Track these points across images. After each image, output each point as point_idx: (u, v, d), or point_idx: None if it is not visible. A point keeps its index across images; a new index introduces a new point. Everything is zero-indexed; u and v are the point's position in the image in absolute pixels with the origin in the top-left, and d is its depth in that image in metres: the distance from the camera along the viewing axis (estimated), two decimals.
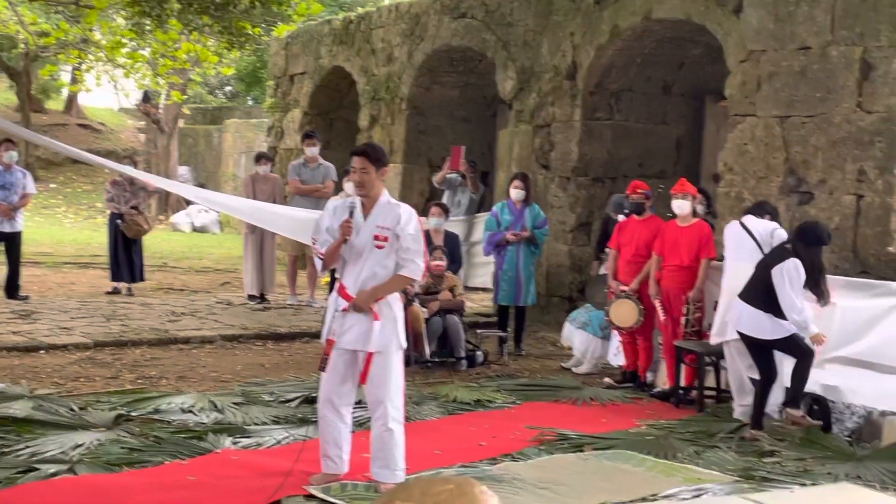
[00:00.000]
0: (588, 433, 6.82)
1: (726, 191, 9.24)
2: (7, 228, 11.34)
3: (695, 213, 8.36)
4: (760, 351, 6.94)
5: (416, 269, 5.43)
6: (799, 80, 8.60)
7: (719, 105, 11.22)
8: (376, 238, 5.38)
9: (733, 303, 7.10)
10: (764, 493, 5.58)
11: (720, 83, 10.25)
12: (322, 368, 5.42)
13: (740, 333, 7.01)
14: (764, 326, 6.80)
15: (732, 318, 7.09)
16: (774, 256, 6.90)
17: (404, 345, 5.51)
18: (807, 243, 6.82)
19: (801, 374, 6.81)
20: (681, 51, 10.89)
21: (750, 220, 7.64)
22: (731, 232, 7.68)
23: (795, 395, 6.83)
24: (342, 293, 5.42)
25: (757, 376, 7.10)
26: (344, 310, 5.36)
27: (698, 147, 11.72)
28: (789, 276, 6.67)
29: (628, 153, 11.31)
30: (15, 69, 26.99)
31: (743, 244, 7.52)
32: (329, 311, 5.56)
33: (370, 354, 5.32)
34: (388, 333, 5.37)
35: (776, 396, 7.10)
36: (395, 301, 5.50)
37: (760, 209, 7.79)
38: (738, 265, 7.44)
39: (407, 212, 5.47)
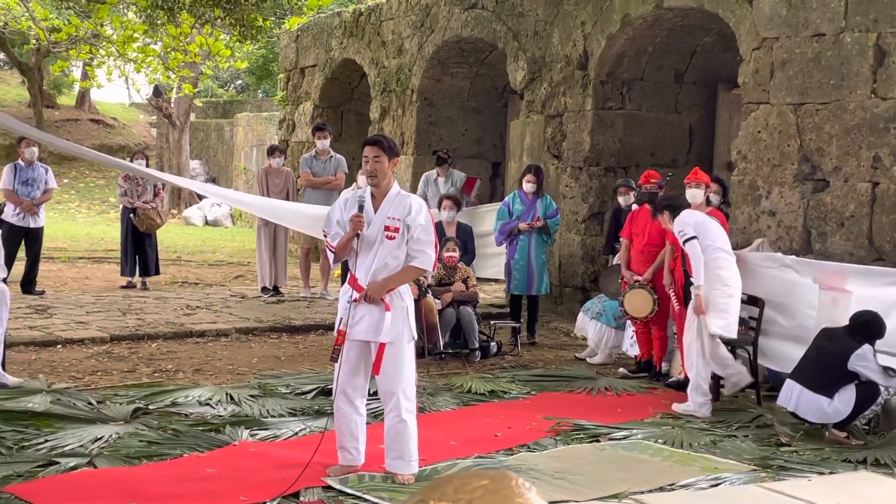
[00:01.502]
0: (604, 423, 6.82)
1: (740, 179, 9.21)
2: (31, 224, 11.45)
3: (709, 202, 8.34)
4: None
5: (428, 259, 5.44)
6: (813, 67, 8.57)
7: (732, 93, 11.18)
8: (387, 229, 5.39)
9: (788, 383, 6.82)
10: (782, 481, 5.58)
11: (733, 71, 10.21)
12: (333, 359, 5.44)
13: (794, 414, 6.76)
14: (825, 412, 6.57)
15: (784, 397, 6.82)
16: (843, 345, 6.62)
17: (415, 336, 5.52)
18: (867, 336, 6.63)
19: (860, 408, 6.65)
20: (693, 39, 10.85)
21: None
22: (703, 219, 7.64)
23: (847, 422, 6.70)
24: (353, 284, 5.43)
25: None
26: (355, 301, 5.38)
27: (711, 135, 11.68)
28: (869, 360, 6.54)
29: (640, 142, 11.28)
30: (27, 65, 27.05)
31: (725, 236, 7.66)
32: (341, 302, 5.58)
33: (382, 345, 5.34)
34: (399, 324, 5.39)
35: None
36: (407, 292, 5.51)
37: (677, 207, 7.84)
38: (728, 255, 7.51)
39: (417, 202, 5.48)
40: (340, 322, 5.45)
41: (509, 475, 1.43)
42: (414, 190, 13.54)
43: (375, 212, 5.45)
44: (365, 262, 5.44)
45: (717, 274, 7.41)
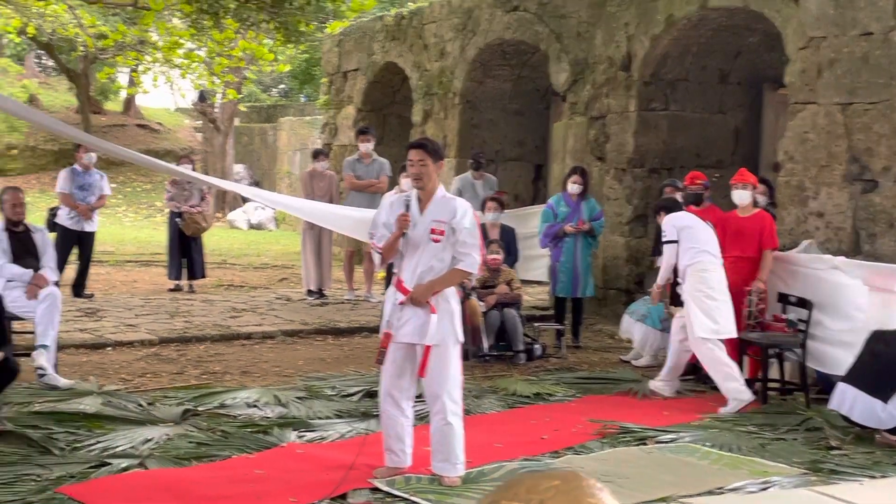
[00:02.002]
0: (650, 426, 6.79)
1: (787, 180, 9.13)
2: (84, 228, 11.62)
3: (755, 204, 8.28)
4: None
5: (473, 262, 5.45)
6: (861, 66, 8.47)
7: (778, 93, 11.09)
8: (433, 232, 5.41)
9: (841, 386, 6.70)
10: (833, 485, 5.52)
11: (778, 71, 10.13)
12: (379, 362, 5.47)
13: (847, 418, 6.66)
14: (878, 416, 6.46)
15: (837, 401, 6.69)
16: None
17: (461, 339, 5.53)
18: None
19: None
20: (737, 39, 10.77)
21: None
22: (692, 222, 7.79)
23: None
24: (399, 287, 5.46)
25: None
26: (401, 303, 5.40)
27: (756, 136, 11.59)
28: None
29: (685, 143, 11.22)
30: (74, 72, 27.44)
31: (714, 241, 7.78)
32: (387, 304, 5.60)
33: (428, 348, 5.35)
34: (445, 327, 5.40)
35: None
36: (452, 295, 5.53)
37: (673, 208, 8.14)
38: (715, 259, 7.68)
39: (463, 206, 5.49)
40: (386, 324, 5.48)
41: (580, 475, 1.44)
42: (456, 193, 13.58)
43: (422, 214, 5.47)
44: (410, 264, 5.46)
45: (700, 276, 7.50)
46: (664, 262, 7.92)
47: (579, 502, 1.40)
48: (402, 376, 5.51)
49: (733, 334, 7.57)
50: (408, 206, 5.44)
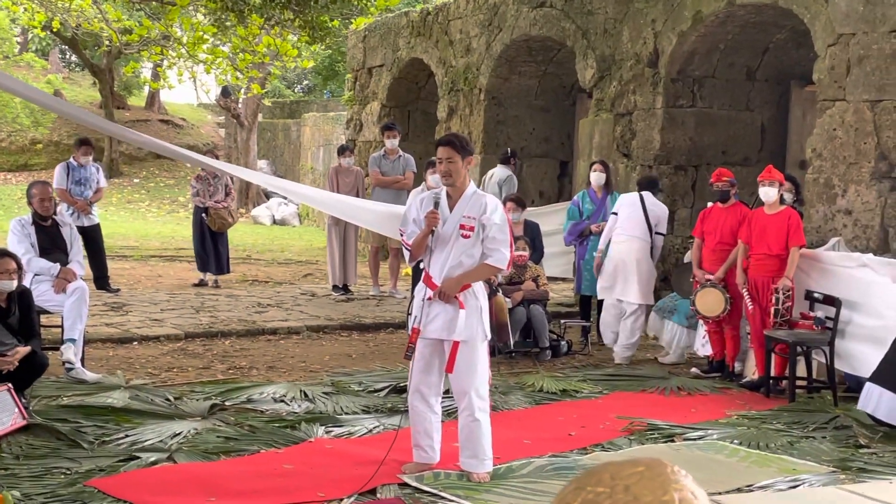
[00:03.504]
0: (678, 423, 6.77)
1: (815, 177, 9.07)
2: (85, 223, 11.55)
3: (782, 201, 8.23)
4: None
5: (503, 258, 5.44)
6: (891, 63, 8.40)
7: (805, 90, 11.01)
8: (462, 227, 5.40)
9: (868, 386, 6.71)
10: (862, 483, 5.49)
11: (806, 68, 10.05)
12: (408, 357, 5.47)
13: (874, 417, 6.63)
14: None
15: (864, 400, 6.70)
16: None
17: (489, 335, 5.53)
18: None
19: None
20: (765, 35, 10.70)
21: (648, 196, 9.34)
22: (628, 202, 9.35)
23: None
24: (428, 282, 5.46)
25: None
26: (429, 298, 5.40)
27: (784, 133, 11.51)
28: None
29: (711, 140, 11.16)
30: (98, 67, 27.58)
31: (637, 219, 9.22)
32: (416, 300, 5.60)
33: (456, 343, 5.35)
34: (473, 323, 5.39)
35: None
36: (481, 291, 5.52)
37: (654, 186, 9.51)
38: (630, 238, 9.20)
39: (493, 202, 5.48)
40: (415, 320, 5.48)
41: (664, 462, 1.44)
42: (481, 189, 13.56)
43: (451, 210, 5.46)
44: (440, 260, 5.45)
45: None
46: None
47: (664, 488, 1.40)
48: (431, 372, 5.51)
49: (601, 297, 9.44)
50: (437, 204, 5.44)
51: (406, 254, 5.73)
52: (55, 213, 11.17)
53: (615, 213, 9.38)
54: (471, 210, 5.44)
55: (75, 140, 12.06)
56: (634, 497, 1.40)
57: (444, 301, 5.38)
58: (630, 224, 9.24)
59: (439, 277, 5.42)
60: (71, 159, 11.79)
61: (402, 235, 5.67)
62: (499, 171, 12.01)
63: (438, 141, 5.63)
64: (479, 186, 12.27)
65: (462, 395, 5.43)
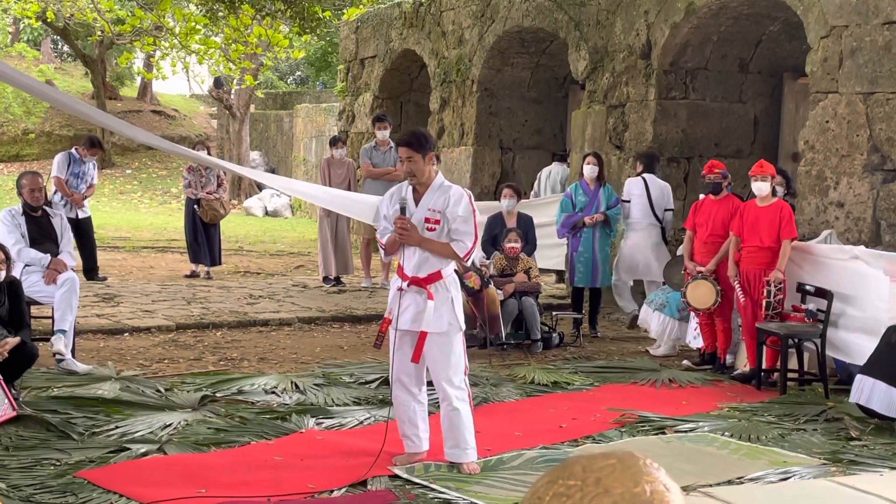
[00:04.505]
0: (669, 415, 6.77)
1: (807, 169, 9.07)
2: (78, 215, 11.53)
3: (774, 193, 8.23)
4: None
5: (464, 247, 5.44)
6: (883, 55, 8.40)
7: (798, 82, 11.01)
8: (427, 221, 5.44)
9: (860, 377, 6.72)
10: (853, 476, 5.50)
11: (799, 60, 10.06)
12: (377, 346, 5.57)
13: (863, 408, 6.67)
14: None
15: (857, 392, 6.70)
16: None
17: (463, 326, 5.53)
18: None
19: None
20: (758, 27, 10.70)
21: (652, 181, 9.98)
22: (636, 190, 10.00)
23: None
24: (401, 274, 5.50)
25: None
26: (400, 289, 5.43)
27: (776, 126, 11.51)
28: None
29: (704, 132, 11.16)
30: (90, 57, 27.48)
31: (644, 206, 9.94)
32: (391, 291, 5.63)
33: (423, 334, 5.37)
34: (443, 314, 5.41)
35: None
36: (453, 283, 5.54)
37: (655, 162, 10.12)
38: (646, 226, 10.00)
39: (457, 193, 5.49)
40: (388, 311, 5.52)
41: (637, 455, 1.44)
42: (475, 181, 13.55)
43: (417, 205, 5.48)
44: (409, 252, 5.49)
45: None
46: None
47: (636, 480, 1.40)
48: (408, 362, 5.52)
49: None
50: (403, 208, 5.42)
51: (381, 250, 5.76)
52: (49, 202, 11.23)
53: (627, 201, 10.09)
54: (435, 203, 5.46)
55: (86, 139, 11.99)
56: (605, 489, 1.39)
57: (406, 242, 5.38)
58: (640, 212, 10.06)
59: (410, 269, 5.45)
60: (73, 150, 11.77)
61: (377, 232, 5.70)
62: (555, 168, 12.36)
63: (397, 141, 5.64)
64: (534, 184, 12.46)
65: (438, 385, 5.47)
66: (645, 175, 10.05)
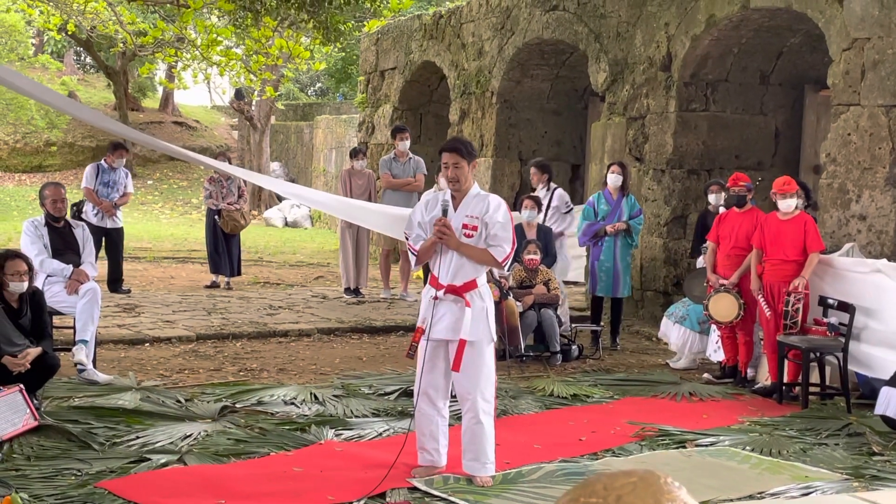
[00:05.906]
0: (690, 429, 6.73)
1: (829, 182, 9.02)
2: (108, 225, 11.68)
3: (795, 206, 8.18)
4: None
5: (502, 252, 5.43)
6: None
7: (819, 94, 10.97)
8: (465, 227, 5.43)
9: (885, 390, 6.72)
10: (876, 491, 5.45)
11: (820, 72, 10.02)
12: (409, 355, 5.51)
13: (888, 420, 6.65)
14: None
15: (883, 405, 6.70)
16: None
17: (495, 338, 5.52)
18: None
19: None
20: (779, 40, 10.67)
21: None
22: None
23: None
24: (434, 283, 5.48)
25: None
26: (434, 298, 5.41)
27: (797, 138, 11.46)
28: None
29: (725, 145, 11.12)
30: (112, 68, 27.67)
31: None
32: (423, 301, 5.61)
33: (462, 342, 5.34)
34: (479, 324, 5.40)
35: None
36: (487, 294, 5.53)
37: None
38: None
39: (496, 201, 5.51)
40: (421, 320, 5.50)
41: (658, 473, 1.43)
42: (494, 192, 13.53)
43: (455, 211, 5.49)
44: (445, 260, 5.47)
45: None
46: None
47: (657, 499, 1.40)
48: (437, 374, 5.51)
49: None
50: (446, 210, 5.44)
51: (412, 257, 5.73)
52: (81, 213, 11.36)
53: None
54: (473, 210, 5.47)
55: (110, 143, 12.19)
56: None
57: (445, 244, 5.37)
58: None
59: (444, 278, 5.44)
60: (102, 161, 11.92)
61: (407, 239, 5.68)
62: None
63: (443, 147, 5.64)
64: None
65: (466, 396, 5.43)
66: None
